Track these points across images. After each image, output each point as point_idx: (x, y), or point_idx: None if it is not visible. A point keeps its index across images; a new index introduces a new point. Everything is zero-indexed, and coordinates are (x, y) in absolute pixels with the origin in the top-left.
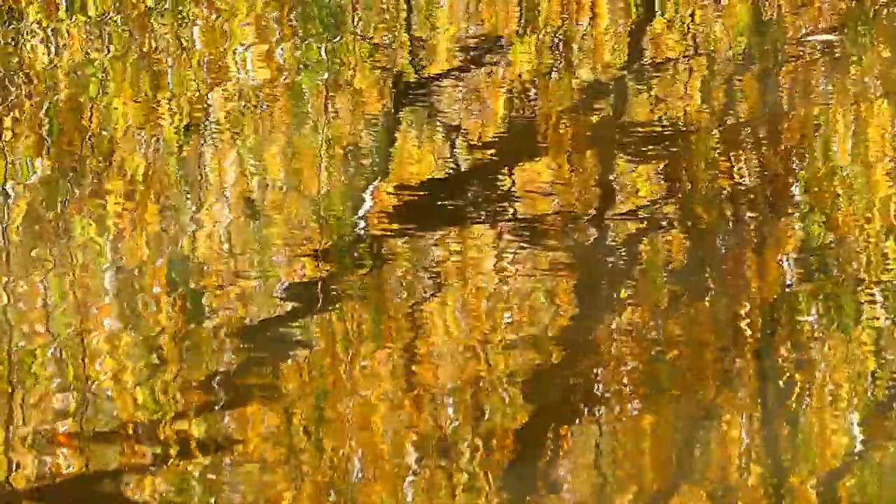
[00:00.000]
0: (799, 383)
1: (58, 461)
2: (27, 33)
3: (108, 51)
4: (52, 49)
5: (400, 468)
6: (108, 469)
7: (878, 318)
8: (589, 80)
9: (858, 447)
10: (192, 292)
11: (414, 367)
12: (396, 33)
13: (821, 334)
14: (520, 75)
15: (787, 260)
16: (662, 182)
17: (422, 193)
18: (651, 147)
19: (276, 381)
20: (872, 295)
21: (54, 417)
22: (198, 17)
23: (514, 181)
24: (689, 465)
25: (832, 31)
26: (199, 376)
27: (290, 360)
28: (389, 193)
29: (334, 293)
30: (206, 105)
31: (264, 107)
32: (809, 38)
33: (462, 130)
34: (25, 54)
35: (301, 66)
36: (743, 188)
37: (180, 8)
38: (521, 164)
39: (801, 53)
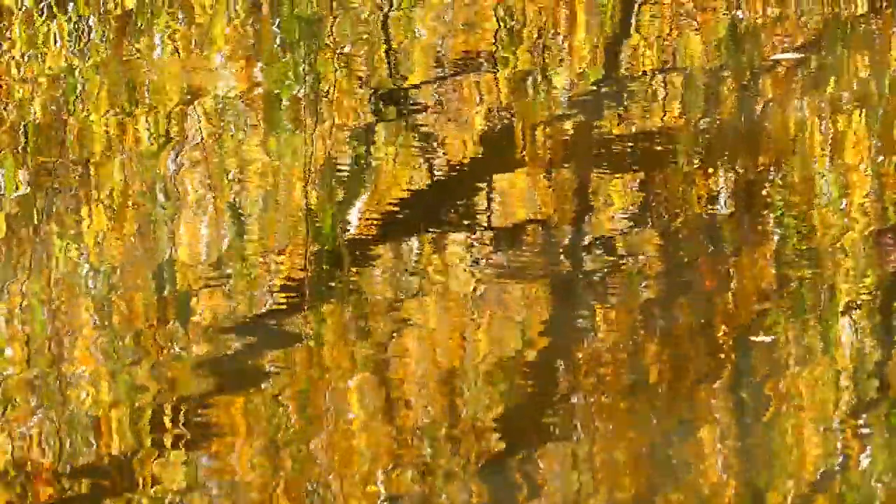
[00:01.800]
0: (775, 386)
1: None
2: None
3: (87, 56)
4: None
5: (377, 464)
6: (85, 462)
7: (854, 323)
8: (566, 92)
9: (835, 452)
10: (173, 295)
11: (392, 367)
12: (374, 46)
13: (796, 338)
14: (497, 87)
15: (764, 265)
16: (638, 192)
17: (401, 204)
18: (627, 158)
19: (258, 379)
20: (849, 300)
21: (30, 412)
22: (176, 29)
23: (491, 191)
24: (666, 466)
25: (803, 49)
26: (178, 373)
27: (271, 357)
28: (369, 206)
29: (315, 296)
30: (184, 116)
31: (243, 118)
32: (783, 55)
33: (440, 142)
34: (2, 63)
35: (279, 77)
36: (719, 196)
37: (157, 21)
38: (499, 174)
39: (776, 67)
